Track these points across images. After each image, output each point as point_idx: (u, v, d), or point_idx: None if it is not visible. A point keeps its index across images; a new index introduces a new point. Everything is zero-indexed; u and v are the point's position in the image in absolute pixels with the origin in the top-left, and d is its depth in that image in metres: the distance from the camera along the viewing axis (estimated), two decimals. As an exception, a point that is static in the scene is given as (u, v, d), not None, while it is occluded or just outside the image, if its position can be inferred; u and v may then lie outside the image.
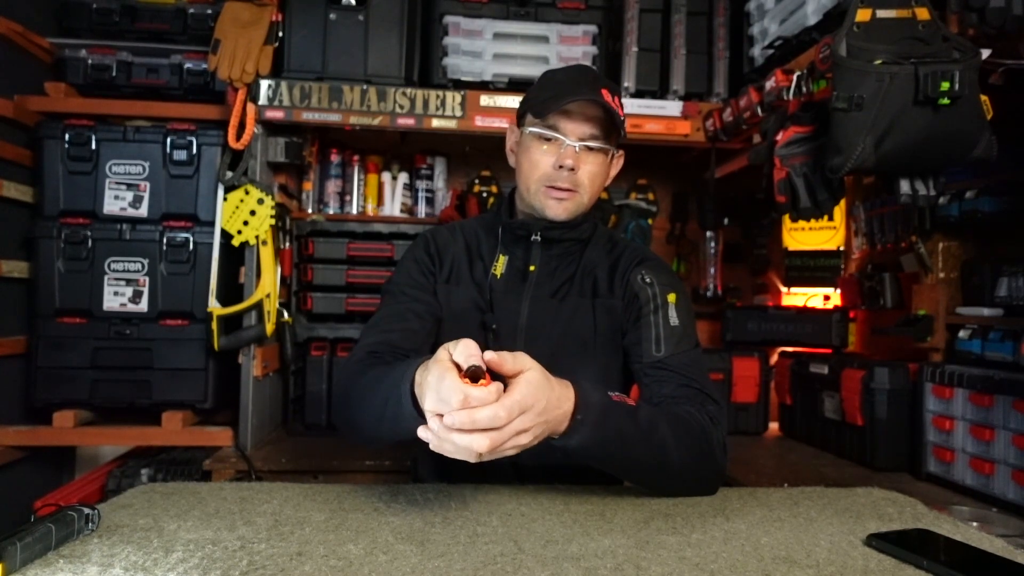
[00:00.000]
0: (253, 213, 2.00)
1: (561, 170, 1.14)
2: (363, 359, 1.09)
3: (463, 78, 2.11)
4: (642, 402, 1.03)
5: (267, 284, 2.04)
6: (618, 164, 1.27)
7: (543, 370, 0.82)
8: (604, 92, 1.13)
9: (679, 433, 0.99)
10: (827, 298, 2.45)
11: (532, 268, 1.23)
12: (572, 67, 1.23)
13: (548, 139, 1.16)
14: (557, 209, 1.17)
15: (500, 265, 1.24)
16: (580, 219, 1.23)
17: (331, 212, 2.54)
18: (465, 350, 0.77)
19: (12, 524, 0.72)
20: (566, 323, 1.21)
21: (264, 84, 2.01)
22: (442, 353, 0.79)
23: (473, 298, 1.23)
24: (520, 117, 1.23)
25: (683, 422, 1.02)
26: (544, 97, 1.15)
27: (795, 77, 1.66)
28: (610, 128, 1.17)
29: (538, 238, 1.22)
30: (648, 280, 1.19)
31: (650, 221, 2.63)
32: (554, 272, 1.24)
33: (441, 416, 0.75)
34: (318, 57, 2.07)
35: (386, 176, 2.60)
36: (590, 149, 1.16)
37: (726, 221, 2.74)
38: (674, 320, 1.16)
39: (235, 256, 2.07)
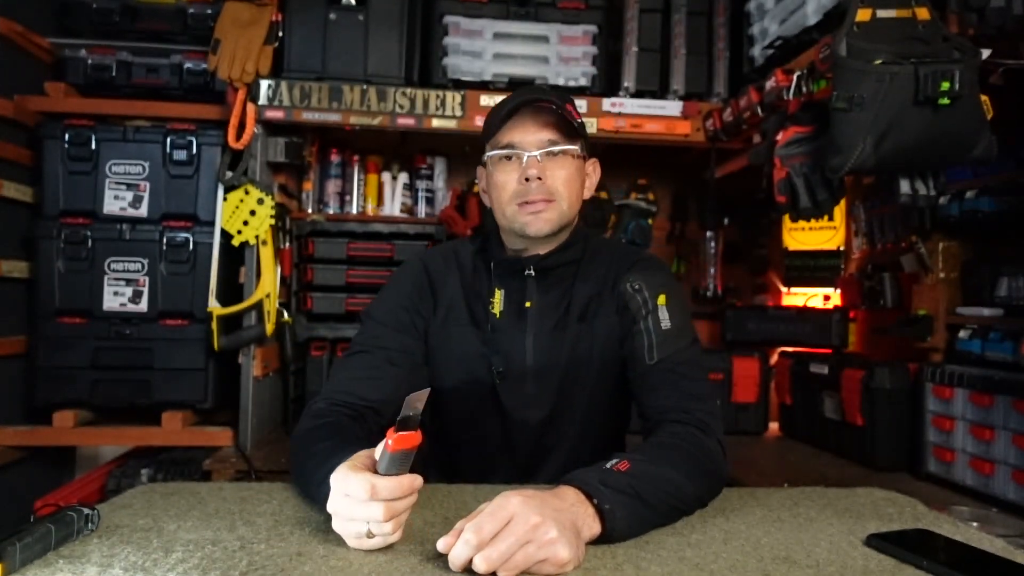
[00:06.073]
0: (253, 213, 2.00)
1: (528, 183, 1.12)
2: (322, 413, 1.04)
3: (463, 78, 2.11)
4: (633, 454, 0.93)
5: (267, 284, 2.04)
6: (595, 173, 1.25)
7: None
8: (551, 103, 1.12)
9: (686, 468, 0.93)
10: (827, 298, 2.45)
11: (528, 304, 1.19)
12: (516, 91, 1.20)
13: (508, 157, 1.14)
14: (537, 223, 1.13)
15: (498, 302, 1.20)
16: (570, 239, 1.20)
17: (331, 212, 2.54)
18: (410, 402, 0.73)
19: (12, 524, 0.72)
20: (570, 353, 1.17)
21: (264, 84, 2.01)
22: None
23: (475, 340, 1.18)
24: (484, 155, 1.21)
25: (681, 451, 0.96)
26: (493, 121, 1.15)
27: (795, 77, 1.66)
28: (569, 132, 1.14)
29: (532, 272, 1.19)
30: (637, 287, 1.15)
31: (650, 221, 2.62)
32: (553, 303, 1.19)
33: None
34: (318, 57, 2.07)
35: (386, 176, 2.59)
36: (552, 155, 1.13)
37: (726, 221, 2.73)
38: (665, 323, 1.12)
39: (235, 256, 2.07)
